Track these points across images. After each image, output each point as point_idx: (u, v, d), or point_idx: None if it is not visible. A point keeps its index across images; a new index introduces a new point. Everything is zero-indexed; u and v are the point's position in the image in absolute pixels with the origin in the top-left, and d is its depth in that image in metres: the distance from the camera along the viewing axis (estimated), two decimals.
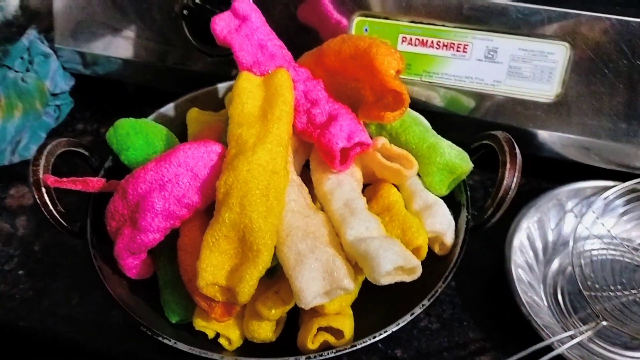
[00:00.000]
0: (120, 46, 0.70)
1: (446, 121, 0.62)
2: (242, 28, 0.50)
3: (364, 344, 0.42)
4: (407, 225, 0.45)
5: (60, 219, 0.49)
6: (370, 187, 0.50)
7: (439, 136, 0.52)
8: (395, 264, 0.40)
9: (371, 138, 0.49)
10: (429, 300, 0.45)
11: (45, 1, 0.81)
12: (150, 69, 0.71)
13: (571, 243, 0.57)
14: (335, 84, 0.50)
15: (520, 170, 0.49)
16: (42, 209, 0.48)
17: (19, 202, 0.66)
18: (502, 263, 0.55)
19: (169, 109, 0.60)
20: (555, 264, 0.59)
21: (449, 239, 0.48)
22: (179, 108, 0.61)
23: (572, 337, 0.49)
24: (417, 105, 0.62)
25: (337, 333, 0.45)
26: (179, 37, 0.67)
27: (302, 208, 0.45)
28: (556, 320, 0.54)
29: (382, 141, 0.47)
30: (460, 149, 0.51)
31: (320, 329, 0.44)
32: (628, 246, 0.59)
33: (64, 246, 0.61)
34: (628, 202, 0.60)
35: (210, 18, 0.62)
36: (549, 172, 0.65)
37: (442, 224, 0.47)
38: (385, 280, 0.40)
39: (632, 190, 0.60)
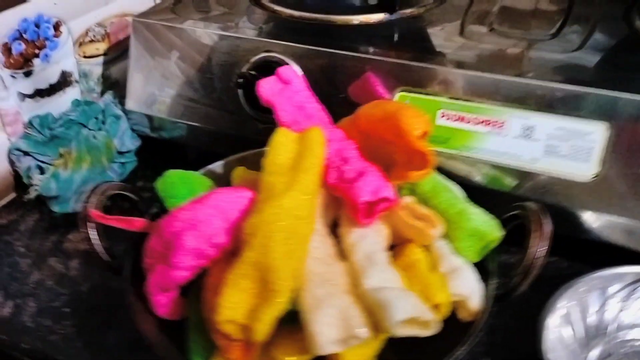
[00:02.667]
0: (185, 112, 0.76)
1: (482, 197, 0.63)
2: (285, 91, 0.54)
3: None
4: (427, 283, 0.45)
5: (105, 253, 0.52)
6: (398, 247, 0.51)
7: (469, 204, 0.53)
8: (409, 314, 0.40)
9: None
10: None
11: (123, 72, 0.90)
12: (209, 134, 0.76)
13: (608, 327, 0.54)
14: (369, 147, 0.53)
15: (549, 239, 0.48)
16: (87, 242, 0.52)
17: (75, 246, 0.71)
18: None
19: (217, 166, 0.65)
20: (594, 353, 0.56)
21: (474, 304, 0.48)
22: (227, 166, 0.65)
23: None
24: (455, 179, 0.63)
25: None
26: (235, 106, 0.72)
27: (324, 256, 0.46)
28: None
29: (408, 200, 0.48)
30: (490, 217, 0.52)
31: None
32: None
33: (110, 289, 0.64)
34: None
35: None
36: (588, 256, 0.63)
37: (466, 287, 0.47)
38: (398, 330, 0.40)
39: None
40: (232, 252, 0.49)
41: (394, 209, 0.48)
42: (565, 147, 0.59)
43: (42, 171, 0.73)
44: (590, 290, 0.58)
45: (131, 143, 0.80)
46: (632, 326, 0.55)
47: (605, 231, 0.60)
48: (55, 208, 0.74)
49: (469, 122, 0.62)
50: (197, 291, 0.52)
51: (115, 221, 0.52)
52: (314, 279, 0.44)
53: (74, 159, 0.74)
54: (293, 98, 0.55)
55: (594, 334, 0.57)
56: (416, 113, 0.47)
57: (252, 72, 0.68)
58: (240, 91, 0.70)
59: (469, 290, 0.47)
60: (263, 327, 0.41)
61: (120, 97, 0.84)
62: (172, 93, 0.76)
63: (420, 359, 0.46)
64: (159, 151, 0.83)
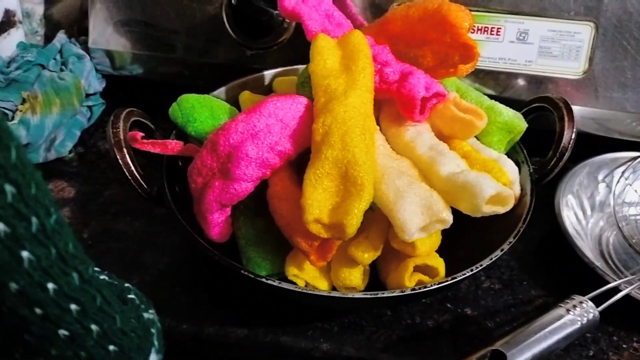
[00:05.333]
0: (156, 43, 0.71)
1: None
2: (308, 0, 0.53)
3: (463, 277, 0.43)
4: (489, 167, 0.47)
5: (141, 181, 0.49)
6: None
7: (494, 100, 0.55)
8: (496, 190, 0.42)
9: None
10: (514, 237, 0.47)
11: (67, 12, 0.82)
12: (186, 64, 0.72)
13: (612, 203, 0.60)
14: (397, 51, 0.54)
15: (575, 124, 0.53)
16: (124, 169, 0.48)
17: (59, 195, 0.65)
18: (553, 225, 0.58)
19: (220, 92, 0.62)
20: (596, 230, 0.62)
21: (517, 189, 0.51)
22: (230, 92, 0.63)
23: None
24: None
25: (430, 272, 0.46)
26: (218, 33, 0.69)
27: (389, 152, 0.47)
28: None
29: (455, 94, 0.50)
30: (515, 111, 0.55)
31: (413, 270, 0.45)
32: None
33: (114, 232, 0.60)
34: None
35: (253, 11, 0.65)
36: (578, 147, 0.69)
37: (512, 173, 0.50)
38: (486, 208, 0.42)
39: None
40: (290, 163, 0.48)
41: (443, 105, 0.49)
42: (557, 48, 0.64)
43: (6, 118, 0.66)
44: (584, 177, 0.64)
45: (98, 84, 0.74)
46: (622, 204, 0.62)
47: (589, 123, 0.66)
48: None
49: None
50: (243, 210, 0.50)
51: (151, 145, 0.48)
52: (391, 172, 0.44)
53: (42, 103, 0.67)
54: (319, 7, 0.54)
55: (591, 215, 0.63)
56: (461, 7, 0.49)
57: None
58: (226, 16, 0.67)
59: (514, 176, 0.50)
60: (355, 221, 0.40)
61: (73, 38, 0.77)
62: (142, 25, 0.71)
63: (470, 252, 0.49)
64: (127, 92, 0.78)
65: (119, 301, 0.34)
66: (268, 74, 0.65)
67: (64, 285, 0.28)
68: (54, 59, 0.72)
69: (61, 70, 0.71)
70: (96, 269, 0.34)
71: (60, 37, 0.75)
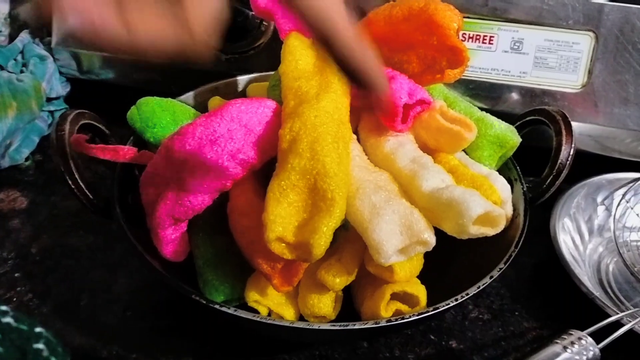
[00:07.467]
0: None
1: None
2: None
3: (447, 307, 0.38)
4: (478, 184, 0.42)
5: (87, 191, 0.43)
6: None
7: (484, 112, 0.51)
8: (485, 208, 0.37)
9: None
10: (505, 263, 0.42)
11: (34, 11, 0.77)
12: (157, 69, 0.67)
13: (612, 227, 0.55)
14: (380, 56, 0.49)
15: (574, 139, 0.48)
16: (67, 177, 0.42)
17: (10, 206, 0.59)
18: (548, 250, 0.53)
19: (188, 97, 0.57)
20: (594, 256, 0.57)
21: (509, 209, 0.46)
22: (199, 97, 0.58)
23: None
24: None
25: (410, 301, 0.40)
26: None
27: (366, 164, 0.42)
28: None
29: (441, 103, 0.45)
30: (507, 124, 0.50)
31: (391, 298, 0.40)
32: None
33: (65, 247, 0.55)
34: None
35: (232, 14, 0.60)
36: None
37: (503, 191, 0.45)
38: (473, 229, 0.37)
39: None
40: (253, 175, 0.43)
41: (428, 114, 0.44)
42: (554, 59, 0.59)
43: None
44: (581, 199, 0.59)
45: (61, 88, 0.69)
46: (623, 228, 0.57)
47: (587, 141, 0.61)
48: None
49: None
50: (202, 225, 0.45)
51: (100, 151, 0.43)
52: (367, 186, 0.39)
53: None
54: None
55: (589, 240, 0.58)
56: (449, 6, 0.44)
57: None
58: None
59: (506, 195, 0.45)
60: (323, 240, 0.35)
61: (38, 39, 0.72)
62: None
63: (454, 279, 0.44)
64: (92, 97, 0.72)
65: (16, 353, 0.27)
66: (242, 79, 0.60)
67: None
68: (15, 59, 0.67)
69: (21, 72, 0.66)
70: (3, 307, 0.27)
71: (23, 37, 0.70)
